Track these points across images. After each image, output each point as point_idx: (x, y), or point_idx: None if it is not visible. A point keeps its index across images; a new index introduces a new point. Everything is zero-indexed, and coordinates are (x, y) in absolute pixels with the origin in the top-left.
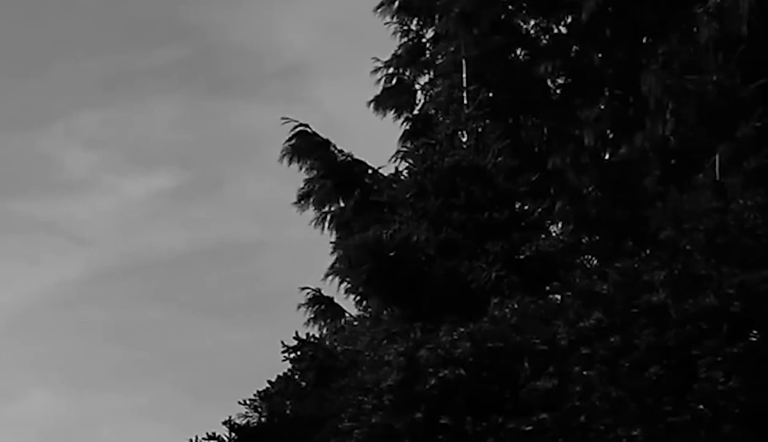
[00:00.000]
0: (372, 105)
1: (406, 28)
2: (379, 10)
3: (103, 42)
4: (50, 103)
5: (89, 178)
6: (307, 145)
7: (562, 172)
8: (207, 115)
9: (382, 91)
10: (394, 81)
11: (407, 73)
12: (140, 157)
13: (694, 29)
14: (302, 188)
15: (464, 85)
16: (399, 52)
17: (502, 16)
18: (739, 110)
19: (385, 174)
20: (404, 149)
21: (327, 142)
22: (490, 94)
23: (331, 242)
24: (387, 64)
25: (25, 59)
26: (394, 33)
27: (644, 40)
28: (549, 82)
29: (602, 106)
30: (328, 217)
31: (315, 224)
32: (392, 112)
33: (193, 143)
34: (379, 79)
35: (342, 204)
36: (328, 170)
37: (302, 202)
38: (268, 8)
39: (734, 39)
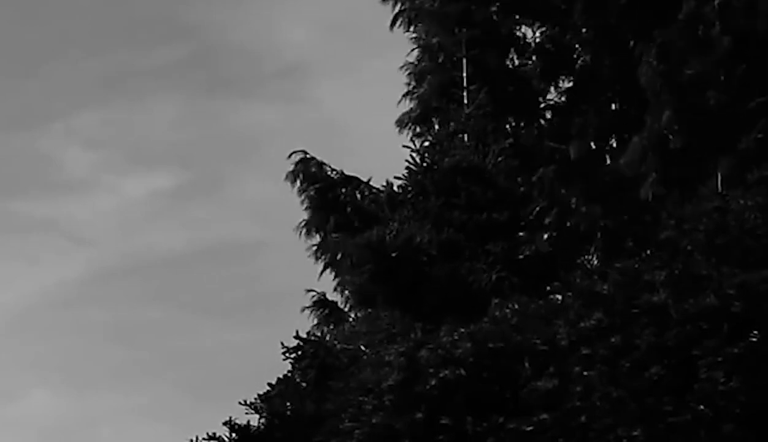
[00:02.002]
0: (396, 125)
1: (415, 37)
2: (395, 27)
3: (102, 42)
4: (50, 103)
5: (89, 178)
6: (305, 169)
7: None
8: (207, 115)
9: (406, 113)
10: (414, 102)
11: (414, 83)
12: (140, 157)
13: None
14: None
15: (464, 84)
16: (412, 61)
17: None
18: (740, 124)
19: (377, 185)
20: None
21: (321, 164)
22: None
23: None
24: (408, 84)
25: (24, 59)
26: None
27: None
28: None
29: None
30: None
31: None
32: (411, 130)
33: (193, 143)
34: (400, 101)
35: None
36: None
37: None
38: (268, 8)
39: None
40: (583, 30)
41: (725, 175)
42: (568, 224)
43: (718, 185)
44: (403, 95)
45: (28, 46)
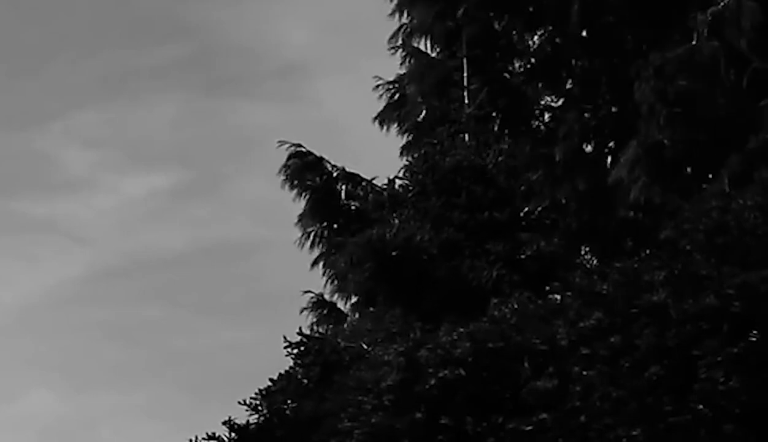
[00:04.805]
0: (377, 121)
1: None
2: (393, 40)
3: (102, 41)
4: (49, 102)
5: (89, 178)
6: (301, 166)
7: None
8: (206, 114)
9: (385, 107)
10: (396, 96)
11: (408, 86)
12: (140, 156)
13: (694, 37)
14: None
15: (465, 84)
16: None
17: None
18: (748, 124)
19: (380, 184)
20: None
21: (320, 160)
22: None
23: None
24: (392, 83)
25: (24, 58)
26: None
27: (641, 48)
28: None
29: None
30: (311, 236)
31: (299, 244)
32: (395, 125)
33: (192, 143)
34: (381, 95)
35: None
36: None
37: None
38: (268, 7)
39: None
40: (581, 33)
41: (732, 175)
42: (568, 224)
43: (726, 185)
44: (391, 82)
45: (27, 46)
